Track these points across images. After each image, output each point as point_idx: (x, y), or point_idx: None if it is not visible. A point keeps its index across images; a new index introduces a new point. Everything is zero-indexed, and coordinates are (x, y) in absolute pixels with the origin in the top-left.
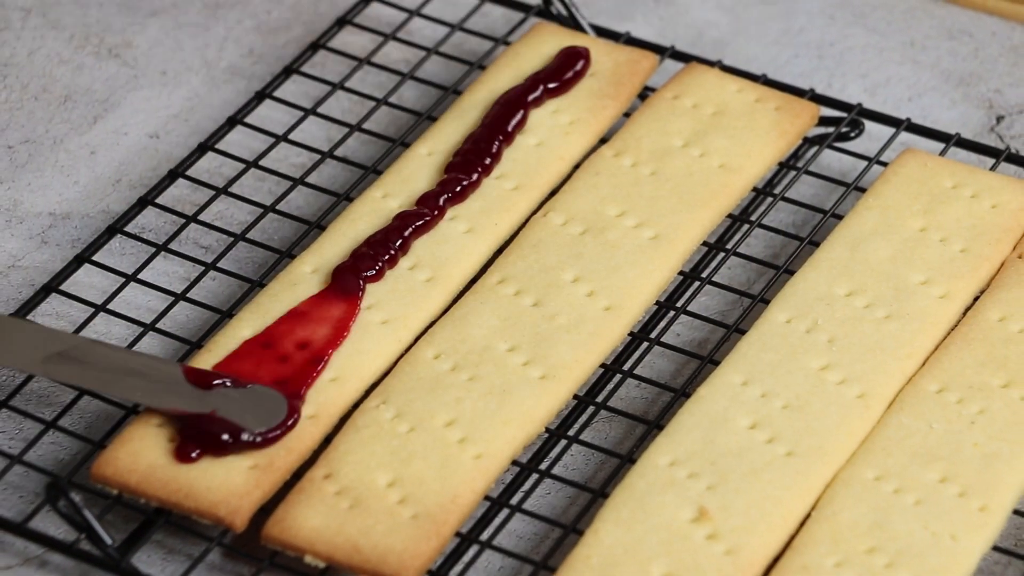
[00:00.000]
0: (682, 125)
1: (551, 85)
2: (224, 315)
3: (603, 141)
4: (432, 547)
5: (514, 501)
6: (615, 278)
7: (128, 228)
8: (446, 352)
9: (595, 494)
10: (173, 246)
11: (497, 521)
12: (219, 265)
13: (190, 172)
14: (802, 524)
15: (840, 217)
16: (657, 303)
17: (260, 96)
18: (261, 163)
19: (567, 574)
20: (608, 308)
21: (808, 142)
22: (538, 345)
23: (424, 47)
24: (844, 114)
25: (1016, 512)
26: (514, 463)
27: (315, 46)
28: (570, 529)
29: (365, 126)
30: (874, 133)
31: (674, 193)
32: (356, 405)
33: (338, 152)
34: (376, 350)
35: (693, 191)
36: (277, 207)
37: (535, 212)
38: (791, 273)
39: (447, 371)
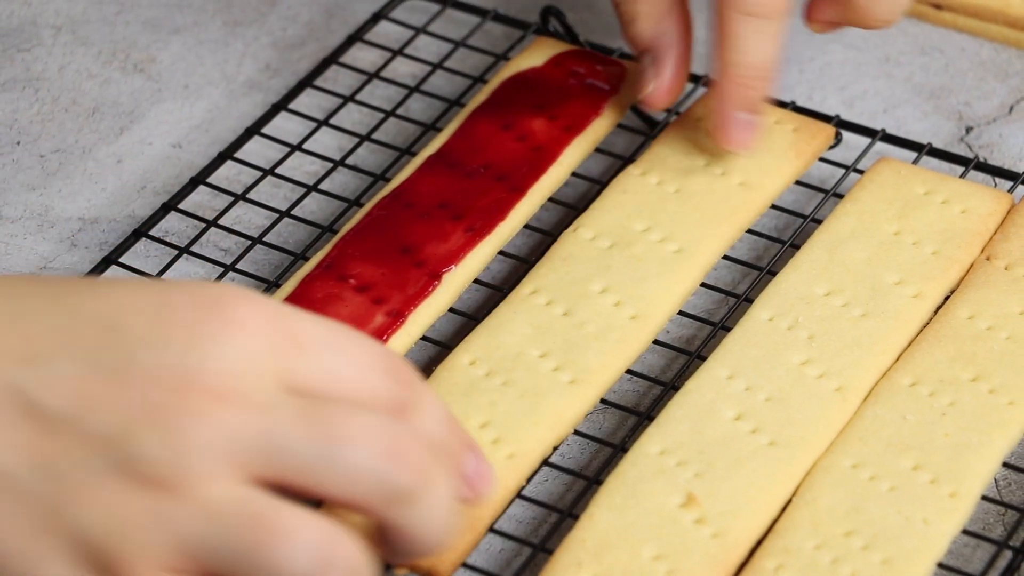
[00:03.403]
0: (705, 145)
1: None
2: None
3: (631, 161)
4: (467, 541)
5: None
6: (641, 289)
7: (152, 232)
8: (481, 358)
9: (590, 481)
10: (195, 249)
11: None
12: (237, 267)
13: (211, 179)
14: (784, 509)
15: (819, 221)
16: None
17: (276, 108)
18: (277, 171)
19: (564, 556)
20: (634, 317)
21: None
22: (568, 352)
23: (430, 62)
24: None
25: (984, 498)
26: None
27: (328, 61)
28: (566, 514)
29: (374, 136)
30: (851, 143)
31: (697, 209)
32: None
33: (349, 161)
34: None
35: (715, 208)
36: (292, 212)
37: (532, 214)
38: (773, 274)
39: (482, 376)
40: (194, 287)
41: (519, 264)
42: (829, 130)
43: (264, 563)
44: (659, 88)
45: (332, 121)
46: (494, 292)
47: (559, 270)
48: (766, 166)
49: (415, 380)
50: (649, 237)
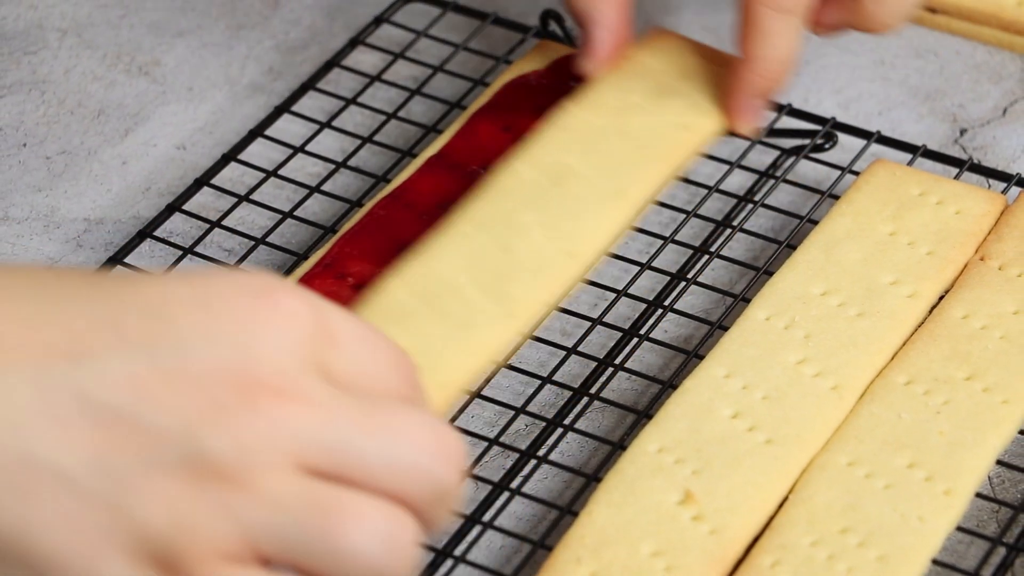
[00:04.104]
0: (644, 85)
1: None
2: None
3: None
4: None
5: (514, 485)
6: (573, 225)
7: (157, 233)
8: (412, 286)
9: (589, 478)
10: (199, 249)
11: (498, 504)
12: (241, 267)
13: (214, 181)
14: (780, 506)
15: (815, 222)
16: (645, 302)
17: (279, 111)
18: (280, 172)
19: (563, 553)
20: (566, 252)
21: (786, 153)
22: (497, 283)
23: (431, 65)
24: (819, 127)
25: (978, 495)
26: (513, 449)
27: (330, 64)
28: (566, 511)
29: (376, 138)
30: (847, 145)
31: (634, 148)
32: None
33: (351, 162)
34: None
35: (651, 147)
36: (295, 213)
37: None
38: (770, 274)
39: (412, 304)
40: (231, 275)
41: None
42: None
43: (333, 549)
44: (592, 64)
45: (334, 123)
46: None
47: (494, 203)
48: (703, 107)
49: (417, 377)
50: (585, 174)
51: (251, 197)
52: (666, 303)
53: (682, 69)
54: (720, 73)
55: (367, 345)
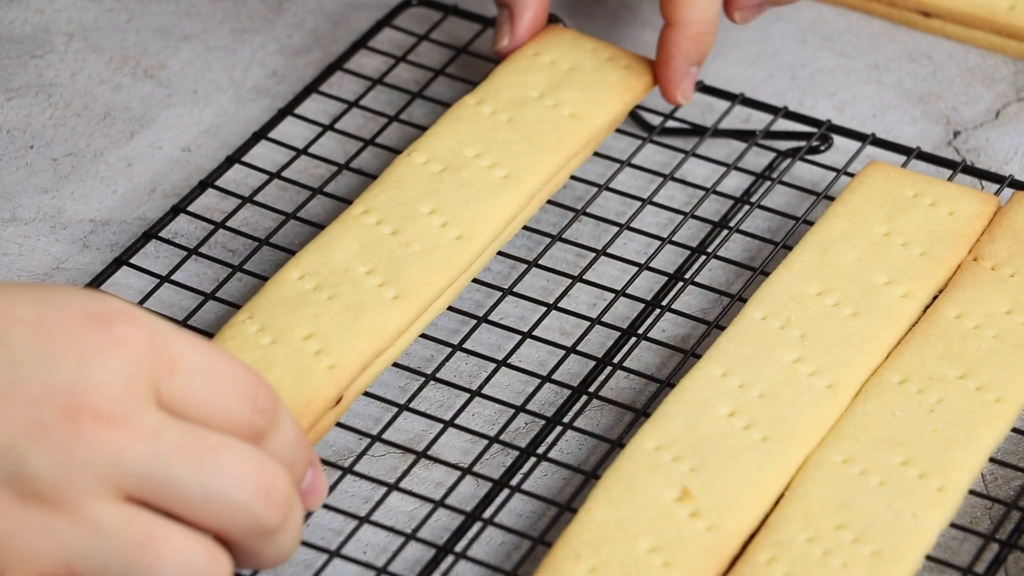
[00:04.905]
0: (539, 78)
1: None
2: None
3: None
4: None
5: (514, 482)
6: (467, 211)
7: (162, 234)
8: (310, 273)
9: (588, 476)
10: (203, 250)
11: (498, 501)
12: (245, 267)
13: (219, 182)
14: (776, 503)
15: (811, 223)
16: (643, 301)
17: (283, 113)
18: (283, 174)
19: (562, 549)
20: (459, 238)
21: (782, 155)
22: (393, 268)
23: (432, 68)
24: (815, 129)
25: (972, 492)
26: (513, 447)
27: (333, 68)
28: (565, 508)
29: (378, 140)
30: (842, 147)
31: (527, 138)
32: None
33: (353, 164)
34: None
35: (544, 137)
36: (298, 214)
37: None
38: (767, 274)
39: (309, 290)
40: (74, 299)
41: (518, 264)
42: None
43: None
44: (512, 43)
45: (337, 126)
46: (493, 291)
47: (390, 191)
48: (596, 98)
49: (272, 405)
50: (479, 163)
51: (255, 199)
52: (664, 303)
53: (575, 63)
54: (613, 67)
55: (210, 373)
